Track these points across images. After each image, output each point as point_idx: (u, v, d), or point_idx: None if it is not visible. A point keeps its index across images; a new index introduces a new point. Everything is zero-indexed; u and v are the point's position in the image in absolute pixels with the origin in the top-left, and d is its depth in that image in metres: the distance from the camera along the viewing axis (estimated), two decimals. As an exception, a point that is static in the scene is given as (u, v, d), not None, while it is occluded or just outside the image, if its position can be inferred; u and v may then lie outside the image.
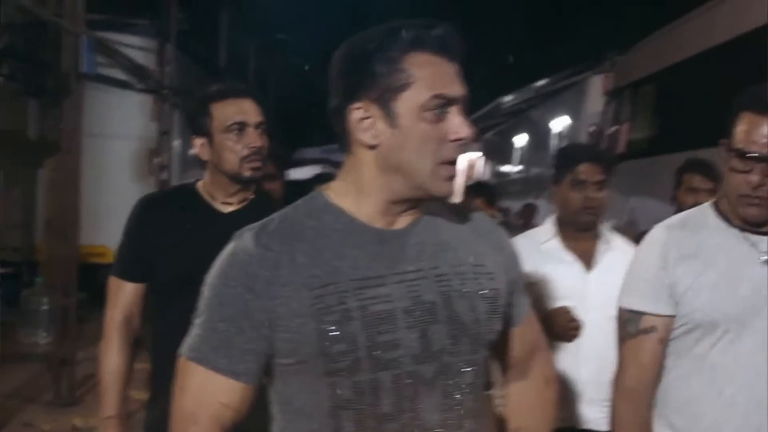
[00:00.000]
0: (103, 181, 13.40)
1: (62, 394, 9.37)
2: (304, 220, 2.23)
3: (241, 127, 3.55)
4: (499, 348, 2.47)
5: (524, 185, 24.31)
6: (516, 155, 26.10)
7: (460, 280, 2.25)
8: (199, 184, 3.72)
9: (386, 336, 2.13)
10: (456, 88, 2.16)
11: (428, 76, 2.13)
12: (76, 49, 10.08)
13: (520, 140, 25.55)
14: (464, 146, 2.18)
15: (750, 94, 3.21)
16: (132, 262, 3.70)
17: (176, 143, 17.26)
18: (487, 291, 2.28)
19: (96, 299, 10.73)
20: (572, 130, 19.20)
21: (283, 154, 4.44)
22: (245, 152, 3.55)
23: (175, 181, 17.00)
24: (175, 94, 16.67)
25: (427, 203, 2.29)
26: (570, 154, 4.59)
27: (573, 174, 4.38)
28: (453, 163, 2.18)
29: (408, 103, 2.13)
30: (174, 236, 3.61)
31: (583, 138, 17.91)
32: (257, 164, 3.58)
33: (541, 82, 22.66)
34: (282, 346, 2.14)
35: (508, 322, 2.43)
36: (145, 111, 16.03)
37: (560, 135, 20.11)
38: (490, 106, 27.54)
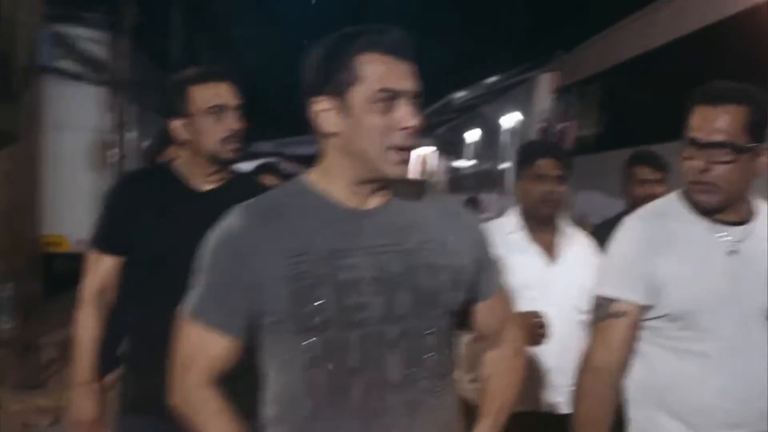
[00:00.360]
0: (59, 171, 13.40)
1: (28, 378, 9.50)
2: (286, 200, 2.58)
3: (220, 109, 3.70)
4: (472, 320, 2.80)
5: (476, 179, 24.49)
6: (468, 150, 26.19)
7: (424, 254, 2.56)
8: (175, 164, 3.87)
9: (353, 300, 2.46)
10: (403, 83, 2.45)
11: (376, 72, 2.42)
12: (34, 42, 10.15)
13: (472, 135, 25.66)
14: (412, 134, 2.46)
15: (701, 89, 3.44)
16: (111, 235, 3.84)
17: (131, 135, 17.31)
18: (449, 265, 2.58)
19: (53, 287, 10.87)
20: (522, 126, 19.41)
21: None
22: (224, 134, 3.71)
23: (132, 172, 17.08)
24: (129, 87, 16.74)
25: (398, 187, 2.62)
26: (530, 150, 4.72)
27: (533, 168, 4.51)
28: (403, 149, 2.47)
29: (358, 96, 2.43)
30: (154, 213, 3.75)
31: (532, 134, 18.17)
32: (236, 146, 3.74)
33: (491, 79, 22.82)
34: (264, 307, 2.49)
35: (476, 296, 2.74)
36: (100, 103, 16.08)
37: (511, 131, 20.29)
38: (442, 101, 27.71)
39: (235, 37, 28.70)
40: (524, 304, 4.07)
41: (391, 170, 2.48)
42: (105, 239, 3.87)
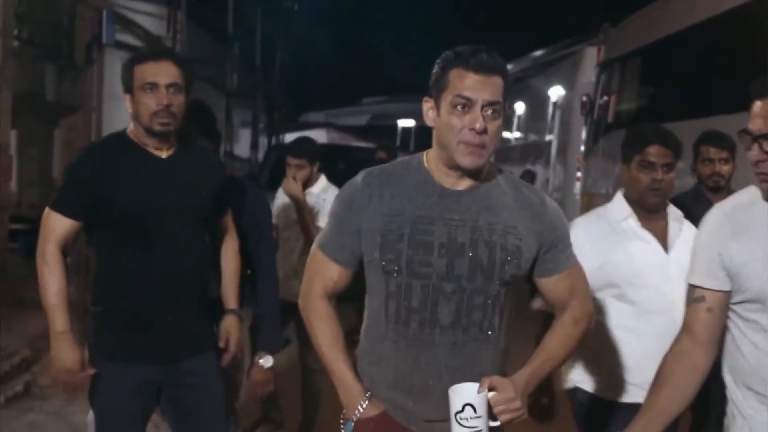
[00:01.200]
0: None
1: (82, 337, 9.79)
2: (399, 171, 3.34)
3: (153, 86, 4.07)
4: (541, 290, 3.43)
5: (522, 151, 24.63)
6: (514, 122, 26.25)
7: (489, 233, 3.20)
8: (129, 132, 4.23)
9: (422, 257, 3.17)
10: (477, 94, 3.08)
11: (458, 83, 3.10)
12: (97, 20, 10.53)
13: (518, 108, 25.84)
14: (480, 134, 3.08)
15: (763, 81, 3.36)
16: (74, 200, 4.15)
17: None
18: (507, 246, 3.21)
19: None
20: (566, 99, 19.52)
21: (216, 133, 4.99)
22: (155, 108, 4.07)
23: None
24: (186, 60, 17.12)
25: (492, 175, 3.31)
26: (640, 135, 4.55)
27: (642, 155, 4.41)
28: (471, 144, 3.10)
29: (445, 100, 3.14)
30: (123, 177, 4.10)
31: (576, 107, 18.30)
32: (165, 120, 4.09)
33: (538, 52, 22.93)
34: (363, 248, 3.27)
35: (543, 273, 3.34)
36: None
37: (555, 104, 20.40)
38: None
39: (289, 12, 28.80)
40: (643, 292, 4.32)
41: (461, 160, 3.14)
42: (68, 204, 4.14)
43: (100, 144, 4.58)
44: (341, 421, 3.40)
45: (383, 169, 3.39)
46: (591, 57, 18.42)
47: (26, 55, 12.84)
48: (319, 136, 36.00)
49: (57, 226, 4.15)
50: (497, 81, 3.12)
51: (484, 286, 3.21)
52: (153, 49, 4.35)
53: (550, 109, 20.60)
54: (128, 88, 4.14)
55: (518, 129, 25.80)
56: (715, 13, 11.42)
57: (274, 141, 32.88)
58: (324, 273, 3.39)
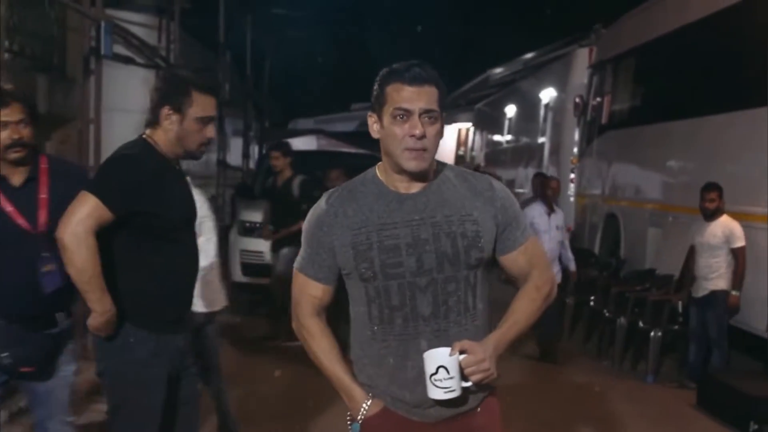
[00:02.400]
0: (110, 151, 13.76)
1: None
2: (358, 186, 3.60)
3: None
4: (505, 266, 3.69)
5: (514, 154, 24.66)
6: (505, 125, 26.28)
7: (448, 225, 3.50)
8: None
9: (393, 260, 3.46)
10: (413, 104, 3.39)
11: (396, 96, 3.42)
12: (96, 32, 10.50)
13: (510, 110, 25.83)
14: (420, 140, 3.38)
15: None
16: (122, 198, 4.48)
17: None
18: (467, 233, 3.50)
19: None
20: (559, 101, 19.56)
21: None
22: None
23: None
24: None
25: (439, 172, 3.60)
26: None
27: None
28: (413, 149, 3.41)
29: (386, 113, 3.45)
30: (166, 185, 4.63)
31: (569, 109, 18.36)
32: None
33: (529, 55, 22.95)
34: (339, 263, 3.54)
35: (503, 251, 3.63)
36: (149, 85, 16.37)
37: (547, 106, 20.43)
38: (480, 77, 27.81)
39: (279, 19, 28.79)
40: None
41: (407, 165, 3.45)
42: (116, 199, 4.39)
43: (143, 149, 4.71)
44: (348, 423, 3.66)
45: (343, 187, 3.67)
46: (583, 58, 18.42)
47: (17, 66, 12.78)
48: (309, 142, 36.06)
49: (96, 210, 4.36)
50: (431, 91, 3.45)
51: (453, 274, 3.50)
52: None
53: (542, 111, 20.63)
54: None
55: (510, 132, 25.79)
56: (708, 13, 11.53)
57: (265, 149, 32.91)
58: (309, 292, 3.67)
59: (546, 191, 11.56)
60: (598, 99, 16.47)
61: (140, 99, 15.63)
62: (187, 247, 4.75)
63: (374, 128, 3.54)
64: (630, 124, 14.75)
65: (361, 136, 40.22)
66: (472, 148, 33.11)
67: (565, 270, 11.74)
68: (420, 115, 3.40)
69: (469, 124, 34.11)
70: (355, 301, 3.61)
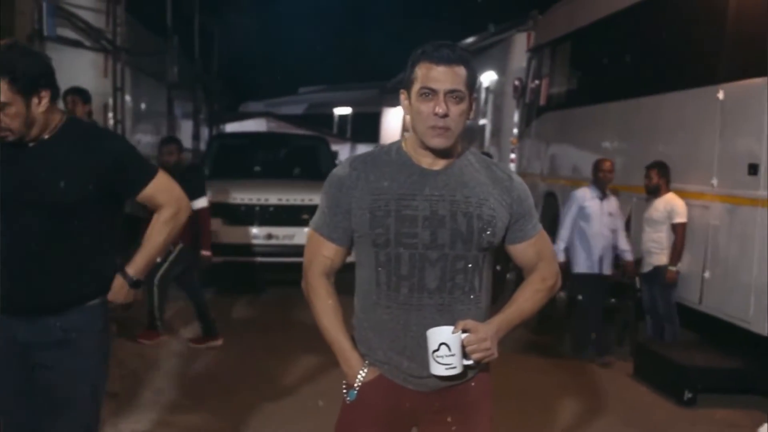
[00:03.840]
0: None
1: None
2: (382, 155, 3.62)
3: None
4: (512, 255, 3.73)
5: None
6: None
7: (465, 205, 3.50)
8: None
9: (408, 230, 3.46)
10: (439, 84, 3.39)
11: (423, 75, 3.42)
12: (37, 13, 10.34)
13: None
14: (443, 118, 3.38)
15: None
16: None
17: (128, 98, 17.51)
18: (483, 215, 3.51)
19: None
20: (498, 84, 19.63)
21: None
22: None
23: (128, 133, 17.26)
24: (126, 53, 16.93)
25: (463, 155, 3.61)
26: None
27: None
28: (436, 127, 3.40)
29: (414, 91, 3.45)
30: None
31: (508, 92, 18.45)
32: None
33: (469, 40, 22.95)
34: (354, 226, 3.54)
35: (513, 240, 3.66)
36: (98, 69, 16.23)
37: (488, 89, 20.48)
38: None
39: (226, 2, 28.67)
40: None
41: (430, 142, 3.45)
42: None
43: None
44: (344, 390, 3.65)
45: (367, 154, 3.68)
46: (521, 43, 18.54)
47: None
48: (259, 125, 35.88)
49: None
50: (459, 71, 3.43)
51: (464, 252, 3.50)
52: None
53: (483, 94, 20.65)
54: None
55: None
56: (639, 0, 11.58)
57: (215, 131, 32.76)
58: (321, 252, 3.65)
59: (597, 174, 10.32)
60: (537, 82, 16.55)
61: (89, 82, 15.57)
62: (22, 228, 4.11)
63: (404, 105, 3.56)
64: (567, 106, 14.82)
65: (309, 118, 40.41)
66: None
67: (617, 258, 10.47)
68: (445, 94, 3.40)
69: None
70: (363, 266, 3.61)
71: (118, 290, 4.35)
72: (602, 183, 10.23)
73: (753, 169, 8.45)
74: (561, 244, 10.19)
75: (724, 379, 8.74)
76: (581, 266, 10.16)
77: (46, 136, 4.15)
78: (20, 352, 4.22)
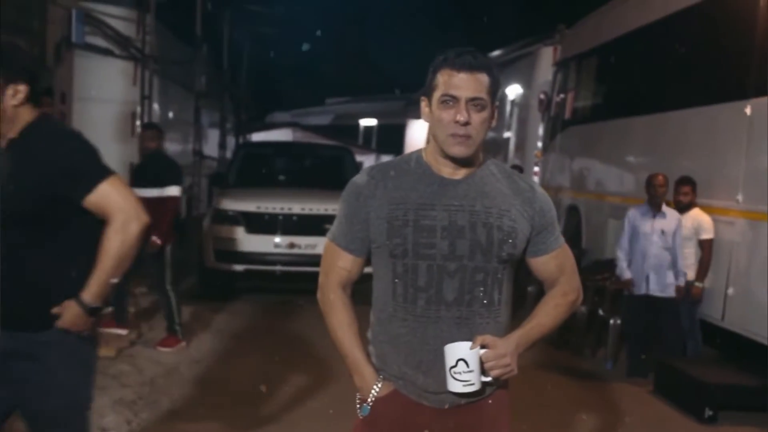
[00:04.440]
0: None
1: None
2: (401, 164, 3.51)
3: None
4: (533, 269, 3.59)
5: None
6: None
7: (485, 216, 3.37)
8: None
9: (426, 240, 3.34)
10: (460, 91, 3.29)
11: (445, 82, 3.31)
12: (67, 20, 10.31)
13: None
14: (464, 126, 3.27)
15: None
16: None
17: (156, 106, 17.49)
18: (503, 227, 3.38)
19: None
20: (524, 97, 19.57)
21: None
22: None
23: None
24: (155, 62, 16.91)
25: (485, 165, 3.48)
26: None
27: None
28: (457, 135, 3.29)
29: (435, 98, 3.34)
30: None
31: (533, 105, 18.39)
32: None
33: (496, 53, 22.88)
34: (371, 236, 3.42)
35: (535, 253, 3.53)
36: (127, 77, 16.24)
37: (513, 102, 20.42)
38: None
39: (256, 14, 28.63)
40: None
41: (450, 150, 3.33)
42: None
43: None
44: (357, 404, 3.53)
45: (386, 163, 3.58)
46: (547, 56, 18.43)
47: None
48: (285, 135, 35.89)
49: None
50: (482, 78, 3.32)
51: (483, 264, 3.38)
52: None
53: (508, 107, 20.56)
54: None
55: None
56: (667, 13, 11.49)
57: (241, 140, 32.78)
58: (337, 263, 3.53)
59: (648, 189, 9.78)
60: (562, 95, 16.48)
61: (117, 90, 15.57)
62: None
63: (425, 112, 3.45)
64: (592, 120, 14.73)
65: (335, 129, 40.47)
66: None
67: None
68: (467, 102, 3.29)
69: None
70: (379, 278, 3.49)
71: (72, 318, 3.92)
72: (654, 198, 9.67)
73: (779, 186, 8.34)
74: (622, 264, 9.96)
75: (745, 397, 8.55)
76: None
77: (13, 135, 3.91)
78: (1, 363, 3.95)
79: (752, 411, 8.47)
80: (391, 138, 37.55)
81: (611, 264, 11.56)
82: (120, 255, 3.96)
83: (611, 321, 10.37)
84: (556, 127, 16.74)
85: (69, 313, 3.91)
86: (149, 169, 10.28)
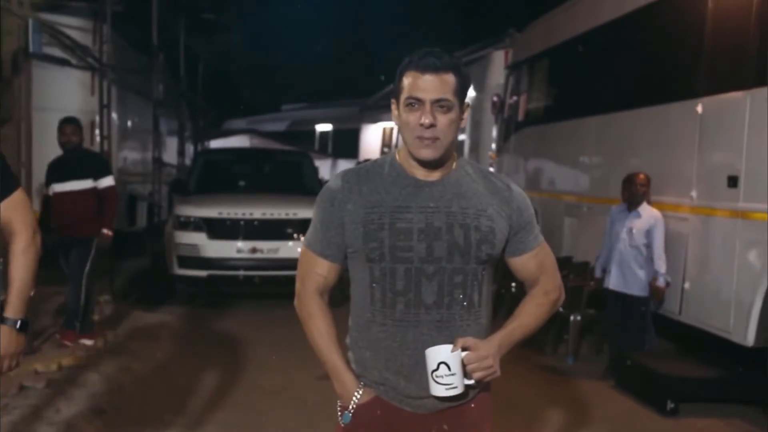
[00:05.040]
0: (47, 150, 13.28)
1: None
2: (375, 168, 3.42)
3: None
4: (514, 269, 3.53)
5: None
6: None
7: (462, 216, 3.29)
8: None
9: (403, 243, 3.25)
10: (425, 93, 3.20)
11: (410, 84, 3.23)
12: (24, 31, 10.15)
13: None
14: (429, 128, 3.19)
15: None
16: None
17: (114, 115, 17.29)
18: (481, 227, 3.30)
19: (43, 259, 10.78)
20: (477, 100, 19.56)
21: None
22: None
23: (114, 150, 17.07)
24: (113, 71, 16.72)
25: (461, 166, 3.41)
26: None
27: None
28: (423, 138, 3.21)
29: (401, 102, 3.26)
30: None
31: (486, 107, 18.40)
32: None
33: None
34: (347, 241, 3.33)
35: (513, 252, 3.47)
36: (85, 86, 16.05)
37: (467, 105, 20.40)
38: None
39: (211, 22, 28.48)
40: None
41: (418, 153, 3.27)
42: None
43: None
44: (338, 412, 3.44)
45: (360, 167, 3.50)
46: (499, 60, 18.59)
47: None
48: (242, 141, 35.73)
49: None
50: (447, 79, 3.22)
51: (462, 266, 3.30)
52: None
53: (462, 110, 20.56)
54: None
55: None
56: (614, 17, 11.53)
57: (199, 147, 32.59)
58: (314, 270, 3.45)
59: (628, 187, 9.55)
60: (515, 98, 16.50)
61: (76, 99, 15.35)
62: None
63: (394, 114, 3.37)
64: (545, 121, 14.71)
65: (291, 134, 40.35)
66: (396, 145, 33.05)
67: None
68: (432, 103, 3.20)
69: (392, 123, 34.02)
70: (357, 283, 3.39)
71: (8, 341, 3.84)
72: (633, 197, 9.44)
73: (732, 182, 8.32)
74: (597, 261, 9.97)
75: (705, 389, 8.57)
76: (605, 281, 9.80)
77: None
78: None
79: (712, 402, 8.49)
80: (346, 143, 37.46)
81: (569, 261, 11.58)
82: (33, 269, 3.95)
83: (571, 317, 10.33)
84: (509, 128, 16.79)
85: (3, 338, 3.82)
86: (74, 162, 10.03)
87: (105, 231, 9.84)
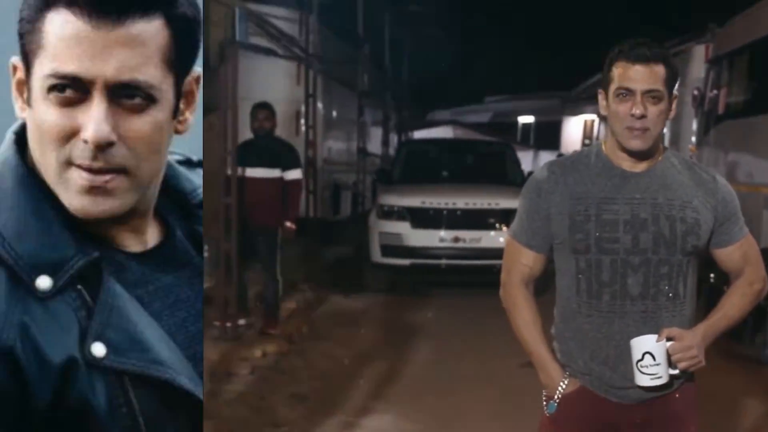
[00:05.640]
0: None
1: (227, 331, 9.70)
2: (581, 159, 3.44)
3: None
4: (719, 260, 3.49)
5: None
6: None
7: (668, 208, 3.29)
8: None
9: (609, 234, 3.27)
10: (635, 84, 3.18)
11: (620, 75, 3.22)
12: (230, 20, 10.34)
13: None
14: (640, 119, 3.18)
15: None
16: None
17: (320, 105, 17.54)
18: (687, 218, 3.29)
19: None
20: (679, 93, 19.10)
21: None
22: None
23: (319, 139, 17.32)
24: (318, 61, 16.95)
25: (666, 156, 3.39)
26: None
27: None
28: (633, 128, 3.19)
29: (611, 92, 3.25)
30: None
31: (687, 101, 18.01)
32: None
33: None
34: (553, 232, 3.36)
35: (718, 244, 3.43)
36: (291, 76, 16.31)
37: (675, 95, 20.08)
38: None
39: (417, 14, 28.59)
40: None
41: (627, 144, 3.26)
42: None
43: None
44: (544, 402, 3.47)
45: (565, 158, 3.55)
46: (700, 54, 18.15)
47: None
48: (446, 132, 35.80)
49: None
50: (657, 69, 3.20)
51: (668, 257, 3.28)
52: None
53: (663, 104, 20.22)
54: None
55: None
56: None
57: (403, 138, 32.83)
58: (519, 260, 3.48)
59: None
60: (715, 91, 16.06)
61: (282, 90, 15.62)
62: None
63: (602, 105, 3.36)
64: (744, 114, 14.27)
65: (494, 126, 40.27)
66: (598, 138, 32.54)
67: None
68: (642, 94, 3.19)
69: (594, 116, 33.49)
70: (562, 274, 3.43)
71: None
72: None
73: None
74: None
75: None
76: None
77: None
78: None
79: None
80: (547, 135, 37.04)
81: (767, 253, 11.12)
82: None
83: (769, 308, 9.90)
84: (709, 122, 16.35)
85: None
86: (265, 150, 10.09)
87: (288, 224, 9.89)
